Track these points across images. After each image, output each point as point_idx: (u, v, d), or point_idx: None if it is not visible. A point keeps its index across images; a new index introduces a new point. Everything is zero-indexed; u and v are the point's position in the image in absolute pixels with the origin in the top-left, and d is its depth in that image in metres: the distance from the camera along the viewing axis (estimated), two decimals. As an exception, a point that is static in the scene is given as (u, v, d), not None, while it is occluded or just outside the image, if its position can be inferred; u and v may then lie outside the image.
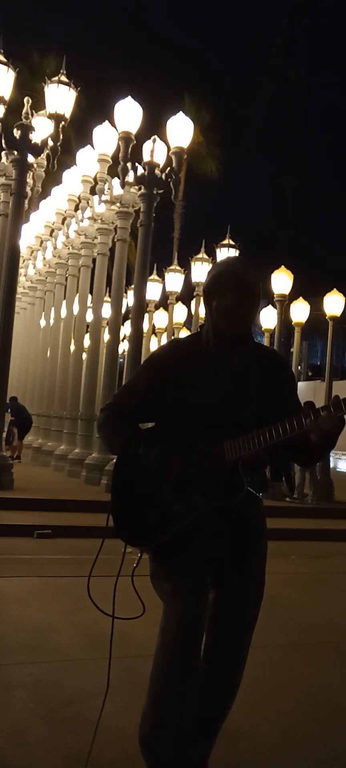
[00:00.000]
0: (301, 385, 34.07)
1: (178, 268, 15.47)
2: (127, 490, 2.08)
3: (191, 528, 1.96)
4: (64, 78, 9.42)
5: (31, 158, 9.34)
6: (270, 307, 13.96)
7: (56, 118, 9.31)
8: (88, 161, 11.31)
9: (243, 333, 2.08)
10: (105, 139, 10.63)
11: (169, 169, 9.80)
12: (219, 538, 2.02)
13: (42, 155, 9.57)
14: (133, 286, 10.97)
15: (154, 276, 15.52)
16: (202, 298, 2.18)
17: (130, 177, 9.92)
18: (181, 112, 10.06)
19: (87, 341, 13.55)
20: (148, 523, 2.00)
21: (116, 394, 2.28)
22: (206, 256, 13.99)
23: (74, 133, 19.95)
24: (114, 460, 2.22)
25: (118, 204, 10.80)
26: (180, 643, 1.96)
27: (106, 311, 14.36)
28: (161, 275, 15.77)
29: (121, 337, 15.65)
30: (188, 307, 17.07)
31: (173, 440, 2.00)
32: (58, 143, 9.29)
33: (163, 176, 9.80)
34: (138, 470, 2.02)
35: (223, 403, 2.01)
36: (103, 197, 10.84)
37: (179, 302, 16.79)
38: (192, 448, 1.97)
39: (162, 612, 2.04)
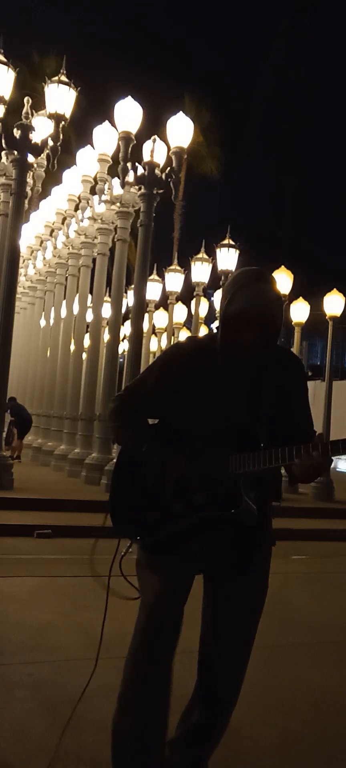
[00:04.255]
0: (301, 385, 33.98)
1: (178, 268, 15.46)
2: (128, 485, 2.08)
3: (187, 530, 1.96)
4: (64, 78, 9.42)
5: (31, 158, 9.34)
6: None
7: (56, 118, 9.32)
8: (88, 161, 11.32)
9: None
10: (105, 139, 10.63)
11: (169, 169, 9.79)
12: (216, 542, 2.00)
13: (42, 155, 9.57)
14: (133, 286, 10.96)
15: (154, 276, 15.50)
16: (219, 305, 2.08)
17: (130, 177, 9.91)
18: (181, 112, 10.06)
19: (87, 341, 13.55)
20: (146, 519, 2.00)
21: (129, 385, 2.29)
22: (206, 256, 13.97)
23: (74, 133, 19.94)
24: (114, 460, 2.23)
25: (118, 204, 10.80)
26: (146, 638, 1.98)
27: (106, 311, 14.35)
28: (161, 275, 15.75)
29: (121, 337, 15.64)
30: (188, 307, 17.06)
31: (178, 442, 1.99)
32: (58, 143, 9.29)
33: (163, 176, 9.80)
34: (140, 467, 2.03)
35: (232, 410, 1.98)
36: (103, 197, 10.84)
37: (179, 302, 16.79)
38: (197, 453, 1.96)
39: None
